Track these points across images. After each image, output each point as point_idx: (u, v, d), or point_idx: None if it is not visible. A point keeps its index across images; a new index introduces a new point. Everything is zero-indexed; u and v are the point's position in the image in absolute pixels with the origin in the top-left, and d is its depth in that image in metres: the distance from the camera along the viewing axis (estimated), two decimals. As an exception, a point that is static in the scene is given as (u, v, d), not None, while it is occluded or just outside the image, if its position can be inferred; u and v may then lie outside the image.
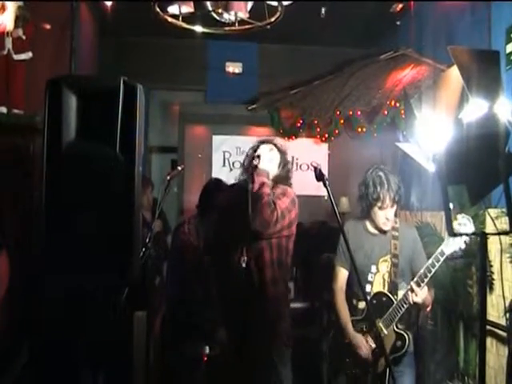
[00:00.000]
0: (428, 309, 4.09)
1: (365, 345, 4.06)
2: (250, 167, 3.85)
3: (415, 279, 3.85)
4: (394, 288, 4.06)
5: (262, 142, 4.11)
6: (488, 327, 4.49)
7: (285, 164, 4.13)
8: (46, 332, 4.54)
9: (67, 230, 2.46)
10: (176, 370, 4.74)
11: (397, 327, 4.02)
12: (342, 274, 4.24)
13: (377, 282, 4.12)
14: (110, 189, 2.47)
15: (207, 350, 4.79)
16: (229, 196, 4.11)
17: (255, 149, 4.04)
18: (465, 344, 4.91)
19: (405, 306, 3.92)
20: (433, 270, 3.79)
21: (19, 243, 4.71)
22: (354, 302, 4.21)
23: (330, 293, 4.35)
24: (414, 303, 3.87)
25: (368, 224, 4.21)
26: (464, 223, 3.62)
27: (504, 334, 4.36)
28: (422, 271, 3.83)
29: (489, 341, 4.57)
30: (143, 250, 3.52)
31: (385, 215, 4.04)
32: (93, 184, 2.48)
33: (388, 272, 4.09)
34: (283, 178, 4.08)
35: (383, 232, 4.13)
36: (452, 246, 3.75)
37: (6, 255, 4.55)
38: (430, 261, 3.82)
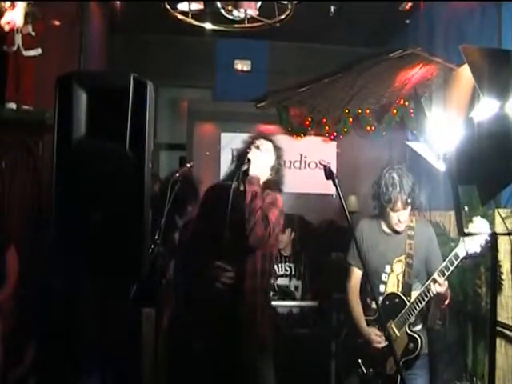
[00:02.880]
0: (446, 302, 3.98)
1: (379, 338, 4.03)
2: (239, 171, 3.65)
3: (429, 280, 3.82)
4: (407, 289, 4.02)
5: (258, 138, 3.94)
6: (497, 328, 4.47)
7: (278, 167, 3.93)
8: (55, 329, 4.55)
9: (77, 226, 2.46)
10: (184, 366, 4.74)
11: (410, 329, 3.99)
12: (356, 273, 4.22)
13: (391, 282, 4.09)
14: (119, 185, 2.47)
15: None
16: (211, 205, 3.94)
17: (248, 146, 3.89)
18: (473, 344, 4.89)
19: (418, 307, 3.88)
20: (447, 273, 3.76)
21: (28, 239, 4.74)
22: (368, 301, 4.19)
23: (343, 291, 4.32)
24: (436, 294, 3.80)
25: (383, 223, 4.17)
26: (481, 225, 3.55)
27: (513, 334, 4.35)
28: (445, 263, 3.77)
29: (497, 341, 4.54)
30: (152, 246, 3.52)
31: (397, 217, 3.99)
32: (102, 180, 2.47)
33: (402, 272, 4.05)
34: (274, 184, 3.92)
35: (397, 232, 4.09)
36: (466, 249, 3.68)
37: (15, 250, 4.57)
38: (444, 263, 3.78)
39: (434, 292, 3.78)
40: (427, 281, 3.89)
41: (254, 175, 3.69)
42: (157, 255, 3.64)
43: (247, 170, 3.67)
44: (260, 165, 3.77)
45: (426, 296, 3.84)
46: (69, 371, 4.49)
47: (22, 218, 4.80)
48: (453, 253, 3.74)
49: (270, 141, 3.96)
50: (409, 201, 3.94)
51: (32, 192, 4.82)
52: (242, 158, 3.78)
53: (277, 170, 3.93)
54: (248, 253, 3.74)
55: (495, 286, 2.79)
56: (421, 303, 3.88)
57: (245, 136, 3.98)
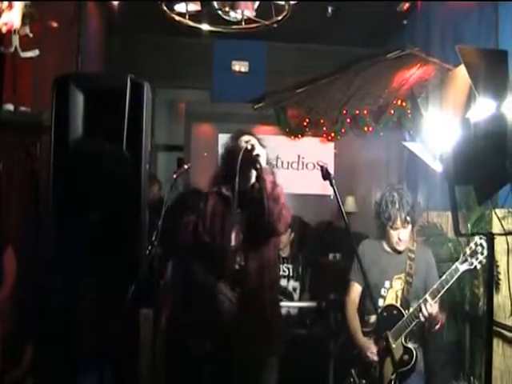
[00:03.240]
0: (437, 327, 4.06)
1: (373, 348, 4.09)
2: (251, 165, 3.63)
3: (429, 292, 3.90)
4: (406, 304, 4.11)
5: (242, 134, 3.94)
6: (494, 328, 4.47)
7: (268, 159, 3.93)
8: (52, 330, 4.55)
9: (74, 227, 2.46)
10: (182, 368, 4.75)
11: (405, 341, 4.05)
12: (356, 289, 4.32)
13: (389, 296, 4.18)
14: (116, 186, 2.47)
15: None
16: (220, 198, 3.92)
17: (238, 143, 3.86)
18: (470, 344, 4.90)
19: (415, 319, 3.96)
20: (446, 286, 3.86)
21: (25, 240, 4.73)
22: (365, 317, 4.28)
23: (341, 292, 4.41)
24: (428, 315, 3.86)
25: (384, 243, 4.28)
26: (481, 243, 3.74)
27: (510, 334, 4.35)
28: (435, 286, 3.88)
29: (495, 342, 4.55)
30: (149, 247, 3.53)
31: (397, 235, 4.11)
32: (100, 181, 2.47)
33: (401, 289, 4.16)
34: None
35: (398, 252, 4.20)
36: (467, 264, 3.81)
37: (12, 251, 4.57)
38: (443, 277, 3.88)
39: (425, 314, 3.86)
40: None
41: (265, 166, 3.70)
42: (154, 256, 3.65)
43: (261, 165, 3.63)
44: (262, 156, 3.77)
45: (417, 317, 3.93)
46: (66, 372, 4.49)
47: (19, 219, 4.80)
48: (453, 266, 3.85)
49: (254, 136, 3.95)
50: (408, 219, 4.07)
51: (30, 193, 4.81)
52: (235, 154, 3.67)
53: (271, 164, 3.97)
54: (270, 242, 3.82)
55: (492, 286, 2.80)
56: (412, 322, 3.97)
57: (242, 137, 3.92)
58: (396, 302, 4.14)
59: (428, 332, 4.22)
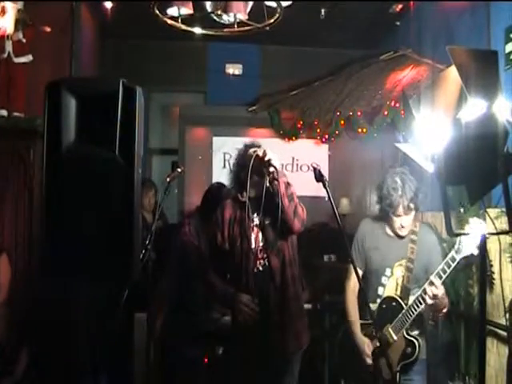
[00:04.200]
0: (444, 310, 3.94)
1: (368, 351, 4.01)
2: (263, 170, 3.75)
3: (426, 284, 3.74)
4: (405, 293, 3.97)
5: (252, 146, 3.98)
6: (489, 327, 4.50)
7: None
8: (46, 334, 4.54)
9: (67, 232, 2.46)
10: (176, 372, 4.75)
11: (407, 333, 3.94)
12: (355, 273, 4.17)
13: (390, 285, 4.03)
14: (109, 191, 2.47)
15: (220, 351, 4.81)
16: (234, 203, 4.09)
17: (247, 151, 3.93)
18: (466, 344, 4.92)
19: (416, 310, 3.82)
20: (444, 276, 3.68)
21: (20, 246, 4.73)
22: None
23: (337, 293, 4.32)
24: (433, 298, 3.70)
25: (386, 226, 4.11)
26: (480, 222, 3.53)
27: (505, 333, 4.36)
28: (433, 275, 3.71)
29: (490, 341, 4.57)
30: (143, 251, 3.53)
31: (400, 222, 3.95)
32: (92, 186, 2.47)
33: (402, 276, 4.00)
34: None
35: (400, 237, 4.04)
36: (463, 252, 3.64)
37: (7, 258, 4.57)
38: (440, 266, 3.71)
39: (431, 295, 3.68)
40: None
41: (279, 169, 3.80)
42: (148, 260, 3.66)
43: (274, 170, 3.76)
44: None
45: (424, 299, 3.75)
46: (61, 377, 4.48)
47: (14, 225, 4.80)
48: (449, 255, 3.69)
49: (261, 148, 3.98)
50: (411, 206, 3.89)
51: (24, 199, 4.81)
52: (246, 161, 3.80)
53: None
54: (288, 241, 3.97)
55: (485, 285, 2.81)
56: (418, 307, 3.81)
57: (240, 140, 4.03)
58: (396, 290, 3.99)
59: (435, 317, 4.13)
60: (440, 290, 3.69)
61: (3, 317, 4.53)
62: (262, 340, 3.84)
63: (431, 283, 3.70)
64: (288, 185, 3.81)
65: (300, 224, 3.83)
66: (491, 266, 4.48)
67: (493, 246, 4.37)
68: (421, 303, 3.80)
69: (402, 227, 3.96)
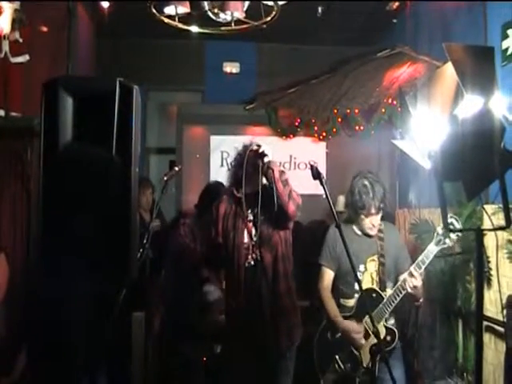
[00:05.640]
0: (420, 300, 4.14)
1: (357, 328, 4.09)
2: (258, 161, 3.83)
3: (405, 274, 3.97)
4: (382, 285, 4.15)
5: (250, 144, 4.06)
6: (486, 323, 4.50)
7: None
8: (43, 334, 4.54)
9: (64, 231, 2.46)
10: (174, 371, 4.76)
11: (386, 322, 4.11)
12: (328, 275, 4.32)
13: (365, 280, 4.20)
14: (106, 190, 2.48)
15: (218, 349, 4.82)
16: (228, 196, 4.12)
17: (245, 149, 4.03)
18: (463, 340, 4.92)
19: (394, 301, 4.01)
20: (422, 267, 3.92)
21: (17, 246, 4.73)
22: (342, 301, 4.28)
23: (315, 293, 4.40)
24: (412, 288, 3.92)
25: (354, 227, 4.30)
26: (451, 222, 3.75)
27: (502, 329, 4.36)
28: (412, 266, 3.93)
29: (487, 337, 4.57)
30: (141, 250, 3.54)
31: (370, 221, 4.15)
32: (90, 185, 2.48)
33: (376, 271, 4.20)
34: None
35: (369, 236, 4.24)
36: (441, 244, 3.92)
37: (5, 258, 4.56)
38: (420, 258, 3.93)
39: (411, 285, 3.90)
40: (398, 278, 4.10)
41: (272, 160, 3.87)
42: (146, 259, 3.66)
43: (268, 162, 3.83)
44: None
45: (403, 289, 3.96)
46: (58, 377, 4.48)
47: (12, 224, 4.80)
48: (428, 247, 3.94)
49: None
50: (381, 206, 4.12)
51: (21, 198, 4.81)
52: (242, 156, 3.91)
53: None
54: (282, 235, 4.03)
55: (482, 281, 2.81)
56: (398, 297, 4.01)
57: (237, 138, 4.09)
58: (372, 284, 4.18)
59: (412, 305, 4.31)
60: (419, 281, 3.90)
61: (1, 316, 4.52)
62: (253, 335, 3.88)
63: (411, 274, 3.91)
64: (282, 172, 3.91)
65: (295, 207, 3.87)
66: (489, 262, 4.48)
67: (490, 242, 4.36)
68: (400, 293, 4.00)
69: (373, 226, 4.17)
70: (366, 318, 4.05)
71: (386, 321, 4.11)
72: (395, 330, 4.11)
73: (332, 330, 4.25)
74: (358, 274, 4.12)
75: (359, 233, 4.27)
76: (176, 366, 4.74)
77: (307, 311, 5.61)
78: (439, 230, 3.93)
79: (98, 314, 2.80)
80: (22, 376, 4.49)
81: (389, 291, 4.10)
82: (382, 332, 4.07)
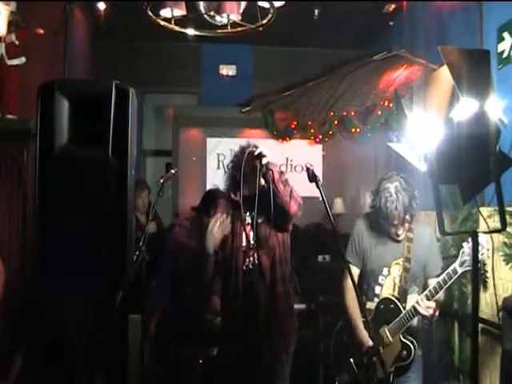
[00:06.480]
0: (434, 319, 3.99)
1: (369, 343, 3.96)
2: (256, 162, 3.76)
3: (425, 292, 3.77)
4: (403, 294, 3.97)
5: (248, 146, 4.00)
6: (483, 325, 4.51)
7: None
8: (40, 336, 4.53)
9: (60, 234, 2.46)
10: (171, 374, 4.75)
11: (403, 336, 3.94)
12: (353, 272, 3.98)
13: (387, 284, 4.04)
14: (102, 193, 2.47)
15: (214, 352, 4.81)
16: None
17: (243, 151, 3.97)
18: (460, 343, 4.93)
19: (413, 317, 3.84)
20: (444, 287, 3.70)
21: (13, 247, 4.71)
22: (364, 299, 4.08)
23: (331, 293, 4.32)
24: (422, 316, 3.83)
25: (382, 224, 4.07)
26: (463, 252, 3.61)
27: (498, 332, 4.37)
28: (432, 286, 3.75)
29: (483, 339, 4.58)
30: (137, 252, 3.53)
31: (395, 231, 3.96)
32: (85, 188, 2.48)
33: (399, 276, 3.99)
34: None
35: (396, 241, 4.03)
36: (464, 265, 3.61)
37: (1, 259, 4.55)
38: (441, 277, 3.70)
39: (421, 314, 3.78)
40: (424, 285, 3.93)
41: (271, 161, 3.82)
42: (142, 261, 3.65)
43: (266, 163, 3.77)
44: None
45: (414, 315, 3.84)
46: (55, 379, 4.47)
47: (7, 227, 4.78)
48: (451, 267, 3.67)
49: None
50: (407, 217, 3.92)
51: (17, 201, 4.80)
52: (240, 158, 3.86)
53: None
54: (280, 239, 4.00)
55: (477, 284, 2.81)
56: (411, 318, 3.86)
57: (233, 141, 4.07)
58: (393, 290, 3.99)
59: (425, 324, 4.17)
60: (428, 312, 3.75)
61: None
62: (249, 339, 3.86)
63: (427, 297, 3.74)
64: (281, 173, 3.88)
65: (297, 207, 3.84)
66: (484, 264, 4.49)
67: (487, 245, 4.38)
68: (414, 315, 3.84)
69: (398, 235, 3.97)
70: (383, 328, 3.97)
71: (403, 334, 3.93)
72: (412, 346, 3.92)
73: (349, 332, 4.13)
74: (381, 277, 4.05)
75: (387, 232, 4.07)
76: (172, 369, 4.74)
77: (303, 314, 5.63)
78: (466, 248, 3.61)
79: (94, 316, 2.80)
80: (18, 379, 4.48)
81: (410, 297, 3.92)
82: (398, 346, 3.93)
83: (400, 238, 4.00)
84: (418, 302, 3.76)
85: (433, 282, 3.80)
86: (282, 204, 3.74)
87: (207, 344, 4.78)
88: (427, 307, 3.73)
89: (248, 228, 3.96)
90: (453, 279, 3.66)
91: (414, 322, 3.97)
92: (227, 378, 3.99)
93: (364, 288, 4.14)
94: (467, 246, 3.60)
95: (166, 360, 4.71)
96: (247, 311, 3.86)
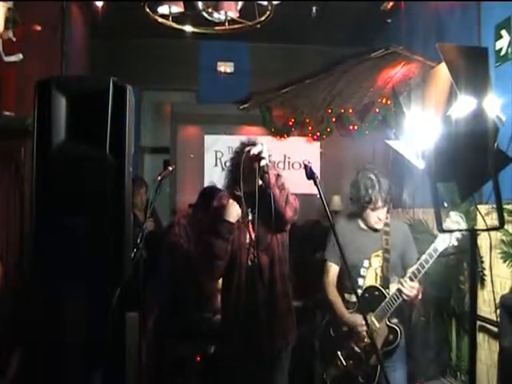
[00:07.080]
0: (418, 299, 4.09)
1: (363, 322, 4.02)
2: (255, 163, 3.73)
3: (408, 275, 3.93)
4: (385, 282, 4.13)
5: (248, 144, 3.97)
6: (480, 323, 4.51)
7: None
8: (37, 334, 4.53)
9: (58, 231, 2.45)
10: (169, 371, 4.75)
11: (389, 321, 4.08)
12: (333, 269, 4.31)
13: (369, 276, 4.18)
14: (100, 190, 2.47)
15: (212, 349, 4.81)
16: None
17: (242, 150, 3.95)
18: (457, 340, 4.94)
19: (397, 300, 3.98)
20: (426, 266, 3.86)
21: (11, 246, 4.71)
22: (346, 296, 4.25)
23: (321, 287, 4.38)
24: (407, 297, 3.92)
25: (360, 222, 4.27)
26: (457, 221, 3.68)
27: (496, 329, 4.37)
28: (415, 267, 3.90)
29: (481, 336, 4.59)
30: (134, 250, 3.53)
31: (377, 215, 4.12)
32: (83, 185, 2.47)
33: (380, 267, 4.16)
34: None
35: (375, 230, 4.20)
36: (445, 242, 3.82)
37: (-1, 261, 4.54)
38: (423, 257, 3.88)
39: (404, 297, 3.93)
40: (403, 276, 4.02)
41: (268, 163, 3.80)
42: (139, 259, 3.65)
43: (265, 165, 3.74)
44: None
45: (398, 298, 3.97)
46: (53, 378, 4.47)
47: (5, 225, 4.78)
48: (431, 246, 3.86)
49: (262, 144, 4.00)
50: (388, 199, 4.10)
51: (15, 199, 4.79)
52: (240, 157, 3.83)
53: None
54: (279, 238, 3.99)
55: (475, 281, 2.82)
56: (396, 301, 3.99)
57: (231, 138, 4.05)
58: (376, 281, 4.15)
59: (409, 306, 4.32)
60: (412, 292, 3.91)
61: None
62: (249, 336, 3.87)
63: (410, 278, 3.91)
64: (278, 176, 3.84)
65: (292, 212, 3.83)
66: (482, 262, 4.50)
67: (484, 242, 4.37)
68: (398, 298, 3.97)
69: (380, 220, 4.14)
70: (369, 316, 4.05)
71: (389, 319, 4.07)
72: (398, 329, 4.08)
73: (334, 325, 4.26)
74: (363, 269, 4.18)
75: (365, 227, 4.24)
76: (170, 366, 4.74)
77: (300, 311, 5.62)
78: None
79: (92, 314, 2.79)
80: (16, 377, 4.47)
81: (392, 286, 4.08)
82: (385, 330, 4.07)
83: (380, 225, 4.16)
84: (401, 283, 3.93)
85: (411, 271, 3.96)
86: (277, 209, 3.73)
87: (205, 342, 4.79)
88: (411, 287, 3.90)
89: (250, 225, 3.96)
90: (434, 257, 3.86)
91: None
92: (227, 374, 4.00)
93: (346, 283, 4.25)
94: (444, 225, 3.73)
95: (164, 357, 4.72)
96: (248, 308, 3.88)
